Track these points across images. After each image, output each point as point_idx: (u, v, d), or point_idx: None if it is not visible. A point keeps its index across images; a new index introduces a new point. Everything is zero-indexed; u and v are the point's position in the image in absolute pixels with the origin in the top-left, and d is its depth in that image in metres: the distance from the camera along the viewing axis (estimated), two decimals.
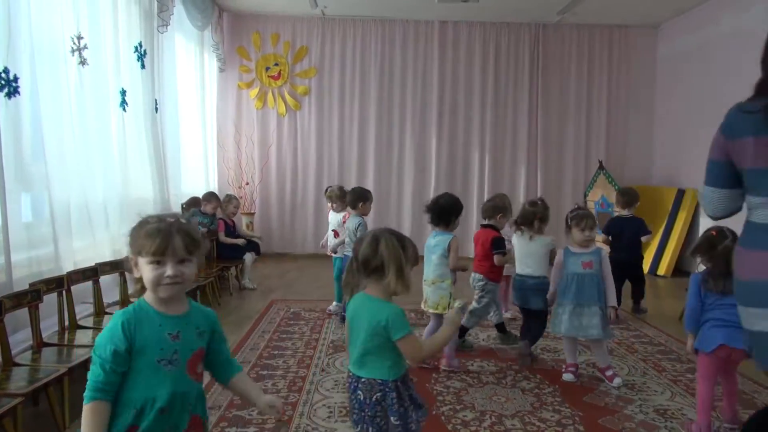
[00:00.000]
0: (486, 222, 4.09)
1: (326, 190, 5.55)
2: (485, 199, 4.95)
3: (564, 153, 8.51)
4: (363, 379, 1.89)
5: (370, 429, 1.87)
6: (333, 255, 5.12)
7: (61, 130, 3.81)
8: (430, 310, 3.58)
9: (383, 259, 1.88)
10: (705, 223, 6.97)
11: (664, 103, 8.25)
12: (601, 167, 7.99)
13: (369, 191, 4.89)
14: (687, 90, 7.63)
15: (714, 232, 2.76)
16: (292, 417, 2.88)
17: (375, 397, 1.86)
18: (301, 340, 4.20)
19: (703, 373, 2.72)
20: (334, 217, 5.16)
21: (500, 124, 8.43)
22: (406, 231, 8.28)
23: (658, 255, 7.18)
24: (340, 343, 4.14)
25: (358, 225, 4.53)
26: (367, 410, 1.87)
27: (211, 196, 6.02)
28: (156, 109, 5.48)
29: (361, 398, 1.88)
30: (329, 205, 5.28)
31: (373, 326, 1.86)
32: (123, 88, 4.78)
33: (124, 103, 4.80)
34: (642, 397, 3.23)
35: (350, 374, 1.96)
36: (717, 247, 2.68)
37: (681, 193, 7.26)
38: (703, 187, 2.05)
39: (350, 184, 8.30)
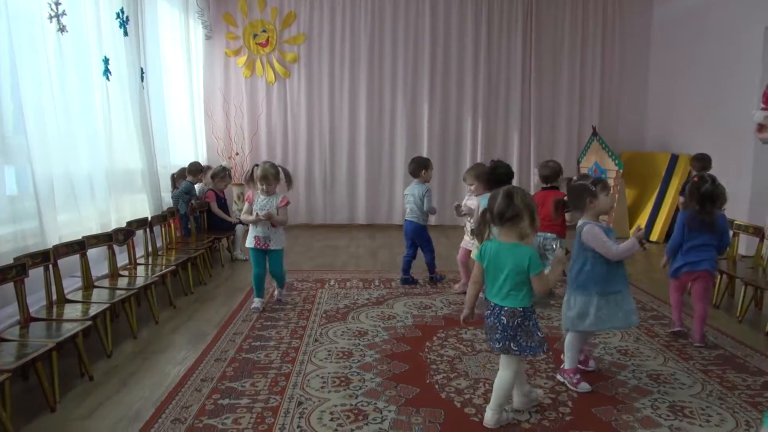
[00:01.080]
0: (547, 185, 4.54)
1: (252, 169, 4.21)
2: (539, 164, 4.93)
3: (557, 119, 8.43)
4: (506, 308, 2.41)
5: (512, 344, 2.40)
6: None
7: (42, 100, 3.69)
8: None
9: (519, 210, 2.35)
10: None
11: (658, 68, 8.15)
12: (594, 133, 7.92)
13: (429, 159, 5.13)
14: (681, 55, 7.53)
15: (696, 179, 3.47)
16: (285, 387, 2.86)
17: (516, 321, 2.39)
18: (294, 311, 4.18)
19: (672, 290, 3.73)
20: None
21: (493, 90, 8.32)
22: (398, 198, 8.25)
23: (651, 220, 7.18)
24: (333, 313, 4.12)
25: (426, 192, 4.83)
26: (509, 331, 2.40)
27: (196, 166, 5.90)
28: (142, 77, 5.34)
29: (505, 322, 2.40)
30: (262, 187, 4.13)
31: (518, 265, 2.37)
32: (106, 56, 4.64)
33: (107, 71, 4.66)
34: (635, 363, 3.23)
35: (493, 304, 2.46)
36: (700, 189, 3.37)
37: (674, 159, 7.22)
38: None
39: (342, 153, 8.25)
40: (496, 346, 2.46)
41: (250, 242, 4.18)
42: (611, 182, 7.23)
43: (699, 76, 7.03)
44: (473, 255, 2.56)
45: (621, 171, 7.35)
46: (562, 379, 2.97)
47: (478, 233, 2.53)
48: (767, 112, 2.82)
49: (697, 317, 3.49)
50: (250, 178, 4.18)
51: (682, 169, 7.07)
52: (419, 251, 4.99)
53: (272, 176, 4.13)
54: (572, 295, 2.92)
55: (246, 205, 4.20)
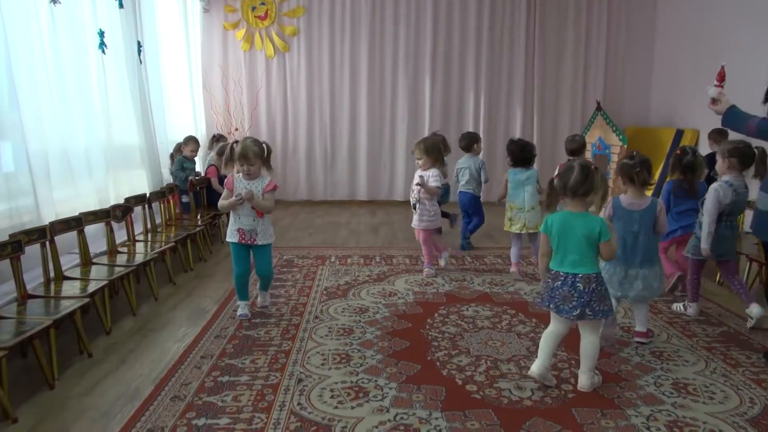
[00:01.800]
0: (572, 158, 4.57)
1: (231, 147, 3.47)
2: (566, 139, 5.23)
3: (561, 94, 8.31)
4: (580, 275, 2.52)
5: (587, 310, 2.51)
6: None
7: (35, 75, 3.62)
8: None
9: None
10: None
11: (664, 42, 8.00)
12: (598, 108, 7.81)
13: (477, 133, 5.66)
14: (687, 29, 7.37)
15: (679, 151, 3.83)
16: (285, 364, 2.85)
17: (592, 286, 2.52)
18: (294, 288, 4.15)
19: (660, 250, 3.54)
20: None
21: (496, 65, 8.18)
22: (399, 174, 8.20)
23: (654, 196, 7.10)
24: (333, 290, 4.09)
25: (482, 164, 5.32)
26: (585, 297, 2.51)
27: (189, 139, 5.81)
28: (139, 51, 5.24)
29: (581, 288, 2.51)
30: (243, 168, 3.40)
31: (589, 234, 2.51)
32: (101, 29, 4.54)
33: (102, 45, 4.57)
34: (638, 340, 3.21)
35: (564, 273, 2.56)
36: (682, 161, 3.71)
37: (679, 134, 7.13)
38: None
39: (342, 128, 8.16)
40: (574, 313, 2.52)
41: (231, 236, 3.45)
42: (615, 158, 7.15)
43: (705, 51, 6.89)
44: (540, 228, 2.64)
45: (625, 146, 7.25)
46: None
47: (549, 203, 2.68)
48: (720, 89, 3.13)
49: (681, 269, 3.93)
50: (230, 159, 3.37)
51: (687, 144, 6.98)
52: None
53: (254, 155, 3.33)
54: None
55: (225, 192, 3.44)
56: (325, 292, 4.05)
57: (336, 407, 2.44)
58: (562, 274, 2.57)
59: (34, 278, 3.21)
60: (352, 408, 2.43)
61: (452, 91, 8.22)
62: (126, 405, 2.49)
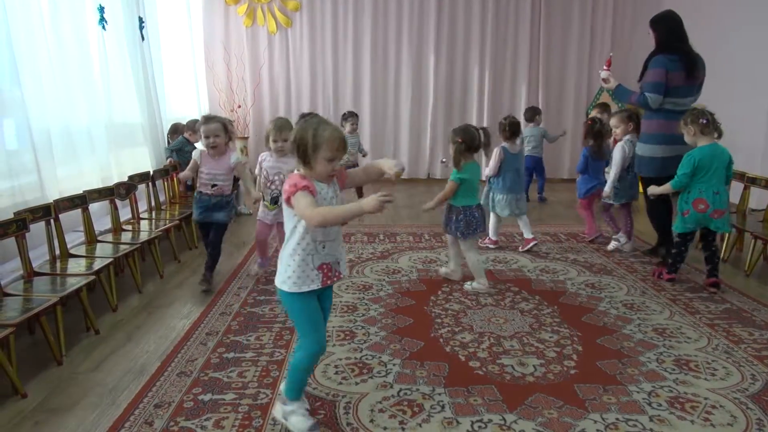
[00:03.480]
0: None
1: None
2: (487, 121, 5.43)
3: (567, 69, 8.22)
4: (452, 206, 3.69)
5: (455, 231, 3.64)
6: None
7: (35, 51, 3.59)
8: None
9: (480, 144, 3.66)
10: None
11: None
12: None
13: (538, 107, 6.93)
14: (693, 3, 7.23)
15: (590, 121, 4.77)
16: (290, 341, 2.87)
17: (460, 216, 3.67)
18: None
19: (583, 206, 4.83)
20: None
21: (501, 40, 8.08)
22: (403, 151, 8.16)
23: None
24: None
25: (544, 132, 6.70)
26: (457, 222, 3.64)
27: (195, 123, 5.77)
28: (141, 27, 5.19)
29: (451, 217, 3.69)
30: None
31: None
32: (101, 5, 4.50)
33: (103, 20, 4.53)
34: (640, 317, 3.22)
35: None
36: (593, 129, 4.62)
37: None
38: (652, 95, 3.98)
39: (345, 104, 8.10)
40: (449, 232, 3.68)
41: (306, 280, 1.96)
42: None
43: (711, 27, 6.78)
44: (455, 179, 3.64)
45: None
46: None
47: (456, 162, 3.59)
48: (608, 72, 4.37)
49: (591, 220, 4.86)
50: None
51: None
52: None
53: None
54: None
55: (309, 199, 1.86)
56: None
57: (340, 383, 2.46)
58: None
59: (39, 256, 3.23)
60: (356, 384, 2.45)
61: (456, 68, 8.14)
62: (133, 380, 2.52)
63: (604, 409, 2.26)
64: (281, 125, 3.59)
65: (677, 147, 3.77)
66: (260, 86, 8.07)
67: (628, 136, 4.44)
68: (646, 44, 8.16)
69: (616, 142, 4.61)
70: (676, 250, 3.78)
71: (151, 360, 2.72)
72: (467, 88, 8.18)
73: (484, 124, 8.12)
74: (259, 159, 3.75)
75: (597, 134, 4.61)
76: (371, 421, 2.17)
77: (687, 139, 3.62)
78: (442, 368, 2.60)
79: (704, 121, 3.54)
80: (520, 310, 3.31)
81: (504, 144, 4.48)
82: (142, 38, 5.21)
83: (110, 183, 4.19)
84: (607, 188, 4.39)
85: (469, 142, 3.56)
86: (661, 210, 4.17)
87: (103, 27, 4.52)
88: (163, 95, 5.80)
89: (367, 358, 2.69)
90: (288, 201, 1.90)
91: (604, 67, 4.39)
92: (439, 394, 2.37)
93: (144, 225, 4.24)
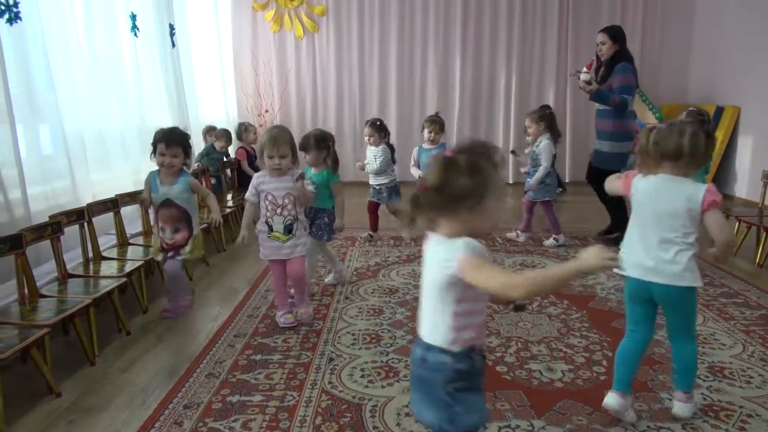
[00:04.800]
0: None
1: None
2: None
3: None
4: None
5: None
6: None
7: (69, 57, 3.68)
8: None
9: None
10: (744, 142, 6.66)
11: (704, 14, 7.70)
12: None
13: None
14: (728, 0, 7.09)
15: (548, 111, 4.96)
16: (316, 344, 2.88)
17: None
18: (325, 268, 4.18)
19: (530, 207, 4.90)
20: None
21: (528, 42, 8.01)
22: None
23: None
24: (363, 270, 4.11)
25: None
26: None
27: (222, 133, 5.87)
28: (171, 34, 5.28)
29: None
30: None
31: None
32: (133, 12, 4.59)
33: (135, 28, 4.62)
34: None
35: None
36: (545, 116, 4.73)
37: (719, 111, 6.89)
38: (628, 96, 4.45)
39: (371, 109, 8.12)
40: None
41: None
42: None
43: (748, 23, 6.62)
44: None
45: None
46: None
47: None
48: (589, 74, 4.54)
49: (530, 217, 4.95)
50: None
51: (727, 123, 6.76)
52: None
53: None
54: None
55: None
56: (355, 272, 4.08)
57: (366, 386, 2.46)
58: None
59: (73, 258, 3.31)
60: (383, 387, 2.45)
61: (482, 71, 8.09)
62: (163, 381, 2.56)
63: None
64: (276, 137, 2.88)
65: (631, 143, 4.58)
66: (287, 91, 8.14)
67: (546, 135, 4.67)
68: (677, 44, 8.01)
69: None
70: None
71: (180, 361, 2.76)
72: (493, 91, 8.12)
73: (511, 127, 8.09)
74: (254, 182, 3.03)
75: (551, 121, 4.78)
76: (398, 425, 2.17)
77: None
78: None
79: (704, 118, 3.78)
80: (548, 315, 3.27)
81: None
82: (173, 45, 5.30)
83: (142, 187, 4.26)
84: (534, 183, 4.66)
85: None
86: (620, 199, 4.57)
87: (135, 34, 4.62)
88: (194, 100, 5.90)
89: (393, 362, 2.69)
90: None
91: (585, 70, 4.52)
92: None
93: None
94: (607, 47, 4.68)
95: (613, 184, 2.31)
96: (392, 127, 8.15)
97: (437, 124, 4.83)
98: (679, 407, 2.20)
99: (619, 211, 4.61)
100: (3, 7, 2.96)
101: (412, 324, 3.14)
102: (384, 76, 8.11)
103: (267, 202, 2.99)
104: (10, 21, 3.01)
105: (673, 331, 2.22)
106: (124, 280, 3.12)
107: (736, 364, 2.66)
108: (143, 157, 4.58)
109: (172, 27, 5.29)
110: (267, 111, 8.10)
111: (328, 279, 3.82)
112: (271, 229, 3.01)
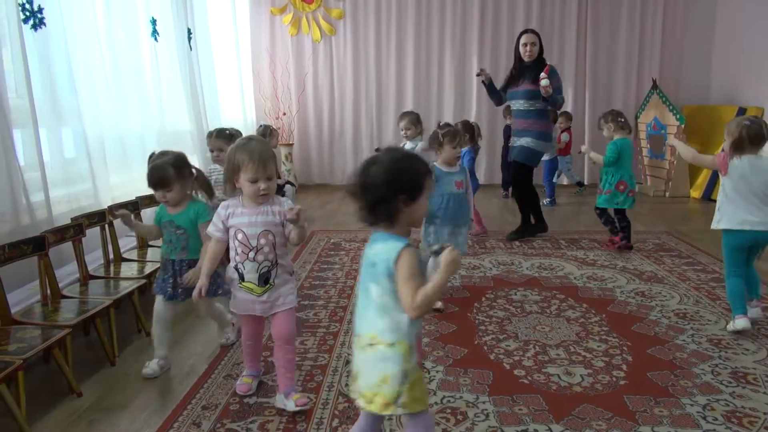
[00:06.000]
0: None
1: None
2: None
3: (614, 71, 8.02)
4: None
5: None
6: None
7: (91, 62, 3.74)
8: None
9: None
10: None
11: (726, 12, 7.58)
12: (654, 86, 7.50)
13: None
14: None
15: (471, 123, 5.46)
16: (333, 346, 2.89)
17: None
18: (342, 270, 4.19)
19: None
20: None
21: (546, 42, 7.92)
22: None
23: (713, 179, 6.81)
24: None
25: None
26: None
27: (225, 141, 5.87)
28: (189, 38, 5.35)
29: None
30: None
31: None
32: (153, 17, 4.65)
33: (155, 32, 4.68)
34: (694, 327, 3.10)
35: None
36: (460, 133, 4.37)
37: (742, 112, 6.78)
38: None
39: (388, 111, 8.13)
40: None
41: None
42: (671, 138, 6.88)
43: None
44: None
45: (683, 126, 6.97)
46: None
47: None
48: (547, 79, 4.54)
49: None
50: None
51: None
52: None
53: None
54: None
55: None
56: None
57: None
58: None
59: (94, 260, 3.35)
60: None
61: (501, 73, 8.03)
62: (182, 382, 2.58)
63: (655, 422, 2.19)
64: (261, 153, 2.11)
65: (550, 144, 5.16)
66: (304, 94, 8.18)
67: (467, 147, 4.88)
68: (698, 46, 7.92)
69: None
70: (619, 220, 4.62)
71: (198, 362, 2.78)
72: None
73: None
74: (221, 212, 2.24)
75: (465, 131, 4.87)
76: None
77: (606, 133, 4.56)
78: (486, 376, 2.56)
79: (622, 120, 4.51)
80: (566, 318, 3.24)
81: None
82: (190, 48, 5.36)
83: None
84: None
85: None
86: (533, 193, 5.06)
87: (155, 38, 4.68)
88: (215, 103, 5.96)
89: None
90: None
91: (543, 75, 4.56)
92: (483, 403, 2.33)
93: None
94: (536, 49, 4.87)
95: (702, 159, 3.40)
96: None
97: (407, 118, 4.73)
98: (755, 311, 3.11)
99: (533, 208, 5.01)
100: (28, 13, 3.03)
101: (429, 326, 3.13)
102: (401, 78, 8.11)
103: (236, 242, 2.19)
104: (34, 27, 3.07)
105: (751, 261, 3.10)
106: (144, 281, 3.15)
107: (760, 369, 2.61)
108: None
109: (189, 31, 5.35)
110: (284, 114, 8.15)
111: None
112: (242, 277, 2.22)
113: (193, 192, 2.71)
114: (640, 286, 3.79)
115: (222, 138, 3.68)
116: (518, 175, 5.08)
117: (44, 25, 3.14)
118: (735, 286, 2.99)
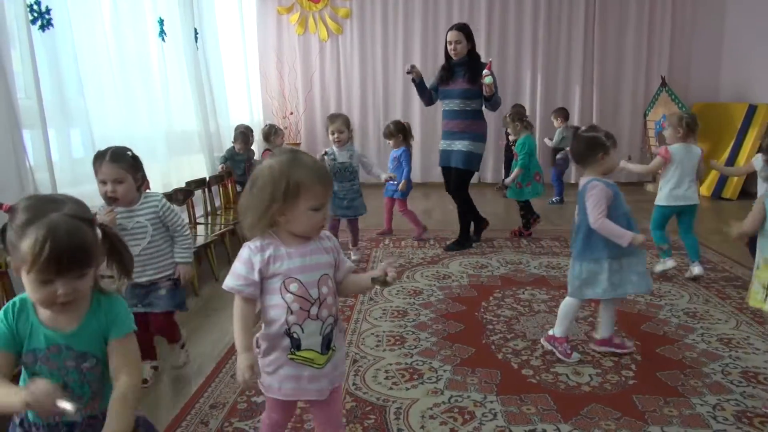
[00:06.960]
0: None
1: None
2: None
3: (623, 69, 7.97)
4: None
5: None
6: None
7: (99, 62, 3.76)
8: None
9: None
10: None
11: (736, 9, 7.52)
12: (663, 84, 7.46)
13: None
14: None
15: (403, 123, 5.35)
16: None
17: None
18: None
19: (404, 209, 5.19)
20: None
21: (553, 41, 7.93)
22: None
23: (723, 177, 6.76)
24: None
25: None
26: None
27: (238, 136, 5.86)
28: (196, 38, 5.36)
29: None
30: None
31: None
32: (160, 17, 4.67)
33: (162, 33, 4.70)
34: (704, 326, 3.08)
35: None
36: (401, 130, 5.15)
37: (752, 109, 6.73)
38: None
39: (395, 111, 8.13)
40: None
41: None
42: (622, 162, 6.82)
43: None
44: None
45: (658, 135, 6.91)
46: (549, 347, 2.75)
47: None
48: (491, 76, 4.38)
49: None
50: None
51: (761, 121, 6.59)
52: None
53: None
54: (578, 261, 2.62)
55: None
56: None
57: (390, 388, 2.46)
58: None
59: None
60: (407, 389, 2.44)
61: (508, 71, 8.03)
62: (191, 381, 2.59)
63: (665, 422, 2.17)
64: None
65: (484, 144, 4.79)
66: (312, 93, 8.19)
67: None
68: (708, 43, 7.86)
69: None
70: (527, 212, 5.04)
71: (207, 361, 2.79)
72: (519, 90, 8.05)
73: (536, 126, 8.00)
74: (254, 256, 1.64)
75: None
76: (422, 427, 2.16)
77: (513, 132, 5.06)
78: (494, 375, 2.55)
79: (526, 119, 5.07)
80: (575, 318, 3.22)
81: None
82: (197, 48, 5.37)
83: (170, 189, 4.33)
84: (403, 185, 4.90)
85: None
86: (470, 199, 4.85)
87: (163, 39, 4.69)
88: (224, 103, 5.96)
89: (417, 364, 2.68)
90: None
91: (487, 72, 4.38)
92: (491, 402, 2.33)
93: (200, 229, 4.36)
94: (462, 46, 4.58)
95: (654, 162, 3.87)
96: (416, 127, 8.15)
97: (340, 119, 4.32)
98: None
99: (472, 215, 4.85)
100: (36, 14, 3.04)
101: (437, 326, 3.12)
102: (408, 77, 8.07)
103: (288, 296, 1.56)
104: (42, 28, 3.09)
105: (685, 229, 3.86)
106: None
107: None
108: (170, 160, 4.67)
109: (196, 31, 5.37)
110: (292, 113, 8.16)
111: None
112: (298, 346, 1.58)
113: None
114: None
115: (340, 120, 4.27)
116: (459, 182, 4.74)
117: (52, 26, 3.16)
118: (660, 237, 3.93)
